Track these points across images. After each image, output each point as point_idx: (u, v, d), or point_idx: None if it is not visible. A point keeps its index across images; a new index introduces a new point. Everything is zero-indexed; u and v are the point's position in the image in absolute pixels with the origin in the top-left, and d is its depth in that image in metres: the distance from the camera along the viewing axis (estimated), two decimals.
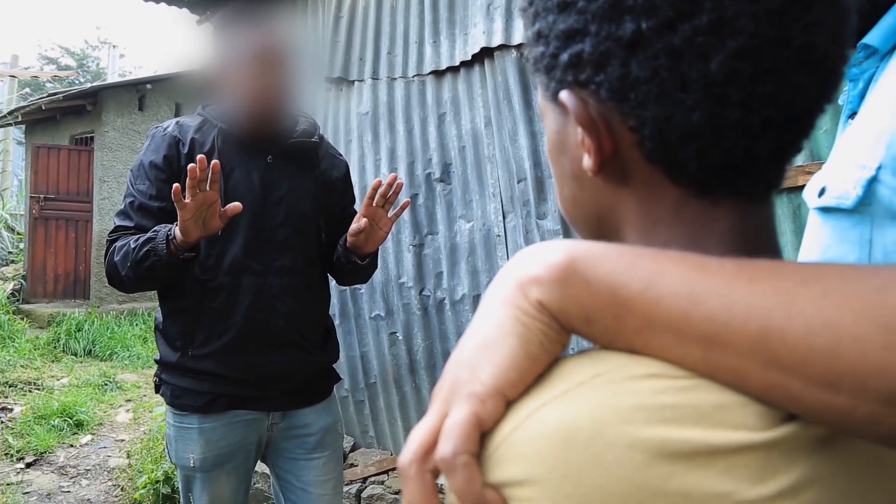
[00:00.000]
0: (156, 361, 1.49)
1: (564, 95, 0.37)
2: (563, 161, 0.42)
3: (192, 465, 1.42)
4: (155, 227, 1.35)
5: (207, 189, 1.23)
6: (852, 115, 0.75)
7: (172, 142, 1.43)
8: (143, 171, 1.43)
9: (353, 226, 1.45)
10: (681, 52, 0.33)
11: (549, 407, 0.32)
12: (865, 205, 0.63)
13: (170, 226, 1.32)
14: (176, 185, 1.21)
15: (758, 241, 0.38)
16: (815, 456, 0.31)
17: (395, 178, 1.44)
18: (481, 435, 0.33)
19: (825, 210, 0.70)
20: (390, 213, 1.47)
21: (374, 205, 1.43)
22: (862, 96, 0.74)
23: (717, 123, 0.34)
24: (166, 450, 1.52)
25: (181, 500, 1.49)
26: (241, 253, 1.42)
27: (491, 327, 0.34)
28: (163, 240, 1.30)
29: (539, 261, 0.34)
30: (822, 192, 0.70)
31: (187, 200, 1.21)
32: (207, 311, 1.41)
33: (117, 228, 1.43)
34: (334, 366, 1.63)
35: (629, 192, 0.39)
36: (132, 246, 1.34)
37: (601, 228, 0.42)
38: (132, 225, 1.41)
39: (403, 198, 2.86)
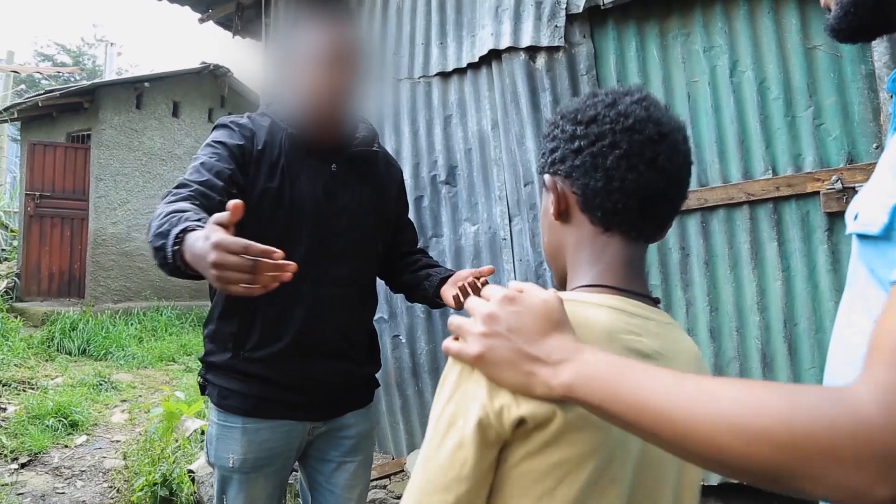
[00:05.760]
0: (200, 361, 1.47)
1: (546, 177, 0.79)
2: (546, 219, 0.80)
3: (230, 465, 1.40)
4: (185, 214, 1.09)
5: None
6: None
7: (249, 134, 1.40)
8: (225, 146, 1.35)
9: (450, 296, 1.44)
10: (596, 154, 0.72)
11: None
12: (893, 230, 0.62)
13: (187, 225, 1.04)
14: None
15: (633, 263, 0.75)
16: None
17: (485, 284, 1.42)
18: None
19: (860, 235, 0.69)
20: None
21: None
22: None
23: (608, 192, 0.72)
24: (205, 449, 1.49)
25: (215, 502, 1.47)
26: (303, 260, 1.26)
27: None
28: (172, 245, 1.04)
29: None
30: (856, 217, 0.69)
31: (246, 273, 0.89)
32: (263, 316, 1.39)
33: (180, 185, 1.25)
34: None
35: (570, 230, 0.77)
36: (157, 223, 1.10)
37: (557, 256, 0.79)
38: (195, 180, 1.26)
39: (410, 205, 2.85)
